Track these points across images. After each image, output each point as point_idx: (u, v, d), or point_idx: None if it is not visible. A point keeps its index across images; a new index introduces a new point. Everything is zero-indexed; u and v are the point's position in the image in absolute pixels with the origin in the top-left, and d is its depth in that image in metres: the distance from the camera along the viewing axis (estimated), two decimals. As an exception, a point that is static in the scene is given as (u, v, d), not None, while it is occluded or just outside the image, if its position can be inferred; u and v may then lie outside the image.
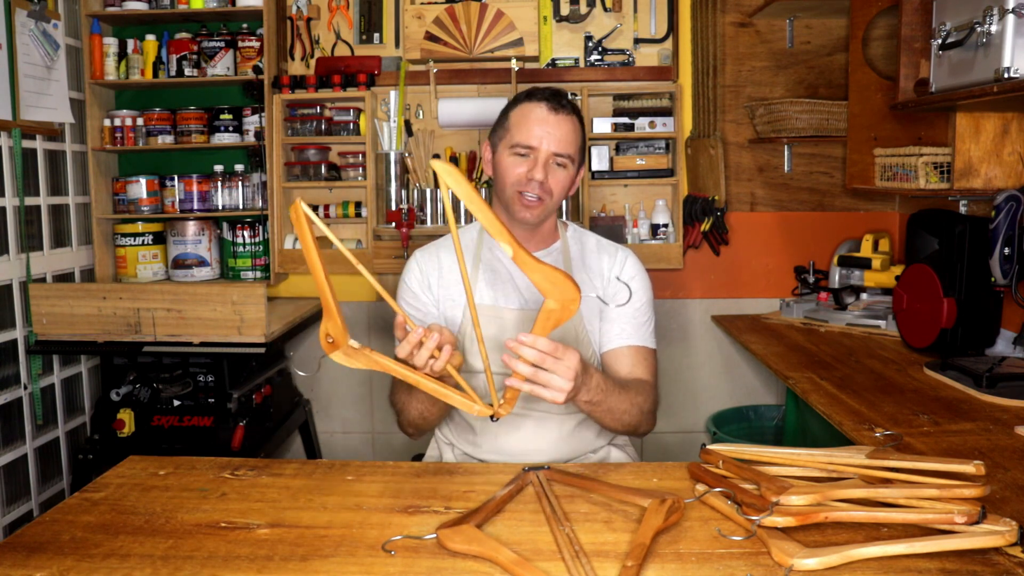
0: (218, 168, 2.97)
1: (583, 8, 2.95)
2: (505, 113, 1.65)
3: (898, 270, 2.52)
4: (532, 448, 1.63)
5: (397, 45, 3.01)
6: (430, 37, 2.83)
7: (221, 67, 2.91)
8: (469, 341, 1.63)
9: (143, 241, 2.95)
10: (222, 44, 2.91)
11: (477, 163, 2.95)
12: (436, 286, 1.69)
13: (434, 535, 1.08)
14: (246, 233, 2.95)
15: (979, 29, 1.72)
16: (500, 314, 1.64)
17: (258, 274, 2.96)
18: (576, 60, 2.97)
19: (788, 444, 2.31)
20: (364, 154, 2.93)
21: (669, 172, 2.93)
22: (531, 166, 1.58)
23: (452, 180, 1.12)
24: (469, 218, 2.90)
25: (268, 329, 2.47)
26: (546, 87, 1.65)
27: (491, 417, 1.27)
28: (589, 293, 1.65)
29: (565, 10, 2.95)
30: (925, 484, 1.10)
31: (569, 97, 1.65)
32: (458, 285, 1.67)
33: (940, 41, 1.89)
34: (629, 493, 1.20)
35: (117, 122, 2.93)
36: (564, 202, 2.85)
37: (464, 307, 1.65)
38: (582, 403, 1.44)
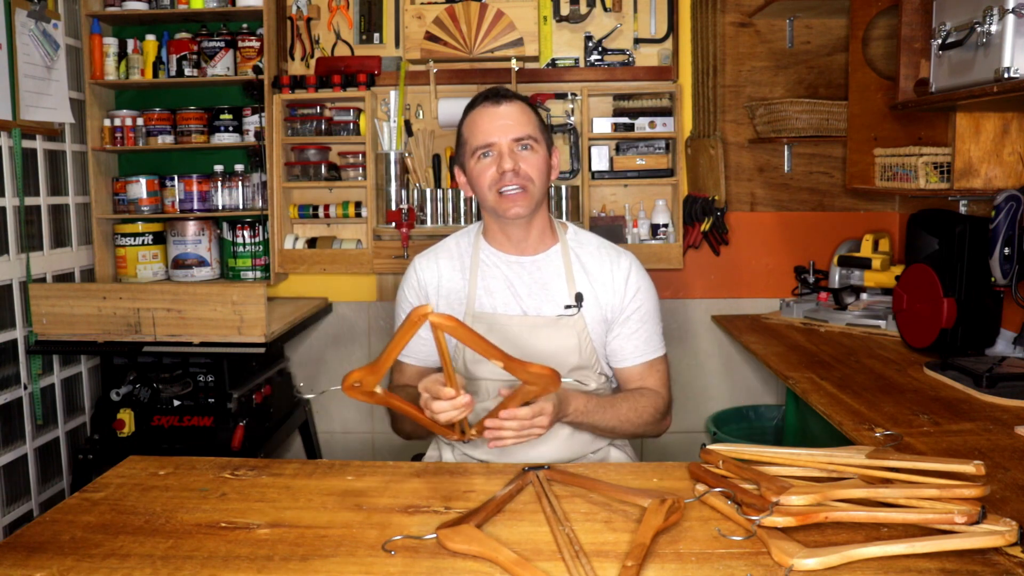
0: (218, 168, 2.97)
1: (583, 8, 2.95)
2: (459, 132, 1.69)
3: (898, 270, 2.52)
4: (532, 450, 1.63)
5: (397, 45, 3.00)
6: (430, 37, 2.83)
7: (221, 67, 2.91)
8: (469, 353, 1.64)
9: (143, 241, 2.95)
10: (222, 44, 2.91)
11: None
12: (435, 295, 1.70)
13: (434, 535, 1.08)
14: (246, 233, 2.95)
15: (979, 29, 1.72)
16: (499, 321, 1.64)
17: (258, 274, 2.96)
18: (576, 60, 2.97)
19: (788, 444, 2.31)
20: (364, 154, 2.93)
21: (669, 172, 2.92)
22: (498, 161, 1.60)
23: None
24: (465, 220, 2.90)
25: (268, 329, 2.47)
26: (487, 88, 1.68)
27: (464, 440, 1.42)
28: (570, 303, 1.66)
29: (565, 10, 2.95)
30: (925, 484, 1.10)
31: (515, 90, 1.69)
32: (457, 293, 1.69)
33: (940, 41, 1.89)
34: (629, 493, 1.20)
35: (117, 122, 2.93)
36: (564, 203, 2.87)
37: (463, 315, 1.66)
38: (565, 423, 1.56)
